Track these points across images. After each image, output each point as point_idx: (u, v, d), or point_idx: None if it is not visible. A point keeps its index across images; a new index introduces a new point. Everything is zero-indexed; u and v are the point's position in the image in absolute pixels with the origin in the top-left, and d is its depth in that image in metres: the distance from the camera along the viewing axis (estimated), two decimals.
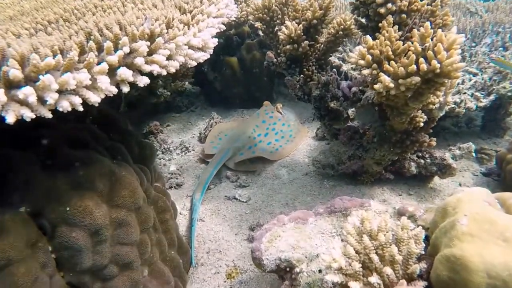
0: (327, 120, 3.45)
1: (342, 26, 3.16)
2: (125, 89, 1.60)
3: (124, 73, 1.56)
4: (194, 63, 1.93)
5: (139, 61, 1.62)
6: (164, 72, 1.75)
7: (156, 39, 1.72)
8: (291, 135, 4.33)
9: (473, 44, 4.46)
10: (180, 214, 3.34)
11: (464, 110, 3.51)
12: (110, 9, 2.18)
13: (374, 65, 2.20)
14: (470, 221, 1.57)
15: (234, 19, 2.91)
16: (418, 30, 2.51)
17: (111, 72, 1.60)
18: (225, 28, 2.49)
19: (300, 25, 2.97)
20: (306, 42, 3.03)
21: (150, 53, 1.72)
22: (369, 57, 2.20)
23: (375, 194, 3.32)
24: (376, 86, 2.13)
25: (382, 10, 2.40)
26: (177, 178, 3.92)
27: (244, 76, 5.09)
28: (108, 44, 1.56)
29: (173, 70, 1.78)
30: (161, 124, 5.01)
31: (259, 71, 5.01)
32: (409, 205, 2.09)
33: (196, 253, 2.82)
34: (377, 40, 2.24)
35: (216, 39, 2.16)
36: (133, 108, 4.55)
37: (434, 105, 2.45)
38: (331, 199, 2.34)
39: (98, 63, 1.58)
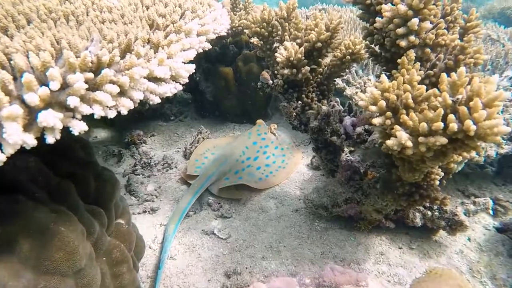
0: (324, 154, 3.02)
1: (350, 50, 2.72)
2: (50, 139, 1.17)
3: (46, 120, 1.11)
4: (158, 100, 1.49)
5: (73, 101, 1.18)
6: (112, 114, 1.31)
7: (102, 71, 1.28)
8: (283, 160, 3.89)
9: None
10: (150, 248, 2.90)
11: (483, 159, 3.07)
12: (65, 18, 1.74)
13: (389, 113, 1.76)
14: None
15: (227, 30, 2.47)
16: (443, 69, 2.09)
17: (33, 114, 1.17)
18: (210, 46, 2.05)
19: (302, 48, 2.51)
20: (307, 68, 2.57)
21: (95, 88, 1.29)
22: (382, 102, 1.77)
23: (372, 244, 2.89)
24: (389, 142, 1.70)
25: (403, 43, 1.96)
26: (153, 201, 3.49)
27: (239, 88, 4.63)
28: (27, 78, 1.12)
29: (124, 111, 1.34)
30: (145, 133, 4.57)
31: (255, 85, 4.55)
32: None
33: None
34: (394, 82, 1.81)
35: (193, 65, 1.72)
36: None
37: (456, 163, 2.03)
38: (320, 270, 1.93)
39: (21, 101, 1.15)
